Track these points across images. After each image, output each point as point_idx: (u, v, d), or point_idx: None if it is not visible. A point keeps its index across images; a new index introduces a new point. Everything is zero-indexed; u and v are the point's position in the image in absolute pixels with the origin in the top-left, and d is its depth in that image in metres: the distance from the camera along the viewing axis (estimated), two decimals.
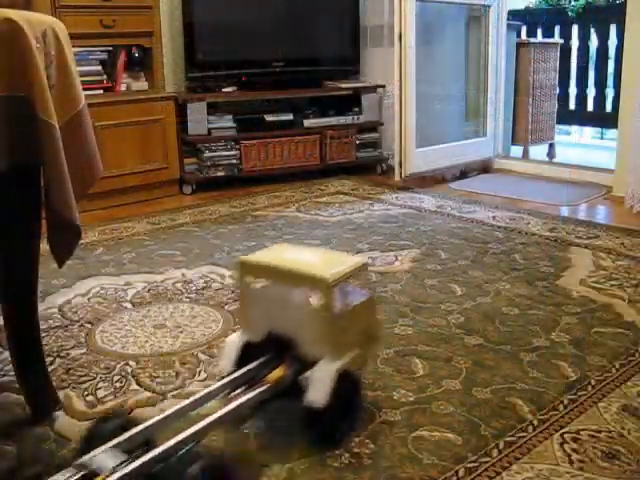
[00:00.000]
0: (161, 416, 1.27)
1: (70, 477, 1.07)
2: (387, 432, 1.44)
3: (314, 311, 1.39)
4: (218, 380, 1.43)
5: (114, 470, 1.08)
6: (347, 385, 1.40)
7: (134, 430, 1.19)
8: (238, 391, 1.37)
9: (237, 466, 1.24)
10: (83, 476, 1.08)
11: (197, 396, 1.35)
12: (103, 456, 1.11)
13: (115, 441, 1.15)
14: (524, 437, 1.41)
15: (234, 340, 1.49)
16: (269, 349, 1.44)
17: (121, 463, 1.10)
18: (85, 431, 1.25)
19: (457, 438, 1.41)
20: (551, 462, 1.33)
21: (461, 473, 1.30)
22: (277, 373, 1.39)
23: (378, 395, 1.58)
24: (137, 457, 1.12)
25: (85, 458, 1.10)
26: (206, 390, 1.37)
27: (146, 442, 1.20)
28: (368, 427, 1.45)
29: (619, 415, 1.49)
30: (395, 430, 1.44)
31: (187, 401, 1.33)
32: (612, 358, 1.75)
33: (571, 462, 1.33)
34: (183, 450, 1.18)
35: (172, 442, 1.17)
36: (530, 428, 1.44)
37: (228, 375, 1.42)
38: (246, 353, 1.46)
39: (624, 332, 1.90)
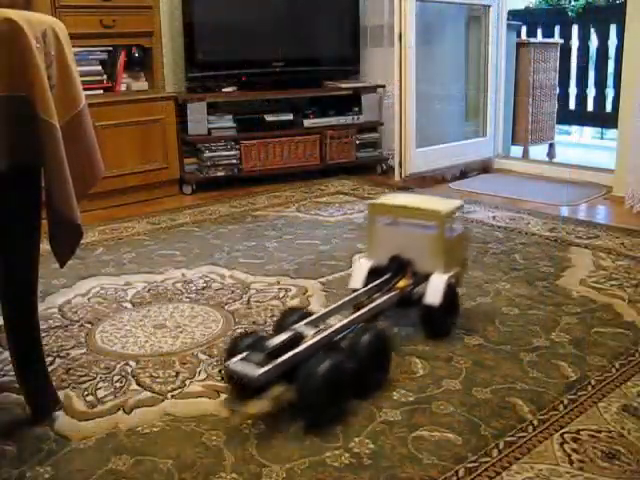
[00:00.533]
0: (326, 310, 1.78)
1: (285, 338, 1.55)
2: (387, 432, 1.44)
3: (431, 237, 1.89)
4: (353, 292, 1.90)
5: (314, 335, 1.57)
6: (452, 291, 1.90)
7: (315, 315, 1.72)
8: (377, 295, 1.84)
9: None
10: (294, 336, 1.56)
11: (340, 302, 1.82)
12: (304, 326, 1.62)
13: (308, 319, 1.67)
14: (524, 437, 1.41)
15: (363, 263, 1.98)
16: (392, 269, 1.93)
17: (315, 332, 1.59)
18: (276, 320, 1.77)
19: (457, 438, 1.41)
20: (551, 462, 1.33)
21: (461, 473, 1.30)
22: (403, 282, 1.89)
23: (378, 395, 1.58)
24: (322, 330, 1.61)
25: (294, 326, 1.60)
26: (356, 293, 1.87)
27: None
28: (368, 427, 1.46)
29: (619, 415, 1.49)
30: (395, 430, 1.44)
31: (340, 302, 1.83)
32: (612, 358, 1.75)
33: (571, 462, 1.33)
34: (351, 328, 1.68)
35: (342, 323, 1.66)
36: (530, 428, 1.44)
37: (362, 288, 1.90)
38: (372, 274, 1.94)
39: (624, 332, 1.90)
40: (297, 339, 1.56)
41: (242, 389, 1.54)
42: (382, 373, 1.64)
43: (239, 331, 1.93)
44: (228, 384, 1.59)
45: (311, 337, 1.56)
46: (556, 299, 2.15)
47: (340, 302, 1.82)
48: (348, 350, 1.58)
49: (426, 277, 1.87)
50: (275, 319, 1.79)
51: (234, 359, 1.49)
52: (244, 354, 1.50)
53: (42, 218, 1.41)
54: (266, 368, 1.43)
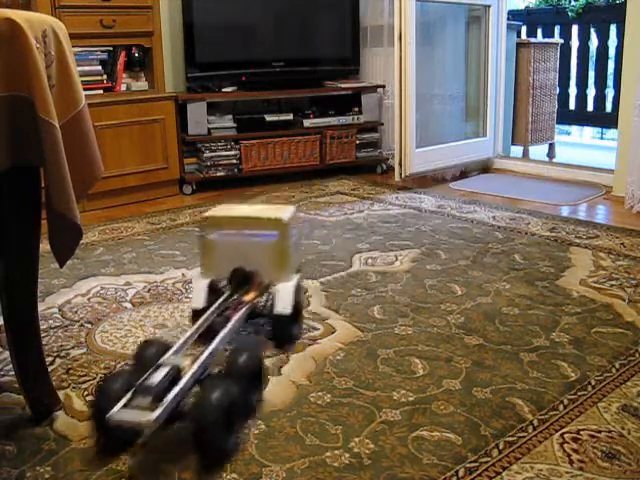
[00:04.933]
0: (185, 337, 1.61)
1: (164, 374, 1.36)
2: (387, 432, 1.44)
3: (274, 245, 1.82)
4: (194, 316, 1.80)
5: (190, 365, 1.43)
6: (298, 298, 1.88)
7: (178, 344, 1.54)
8: (226, 312, 1.75)
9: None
10: (172, 370, 1.39)
11: (194, 327, 1.66)
12: (174, 358, 1.45)
13: (174, 349, 1.51)
14: (524, 437, 1.41)
15: (199, 281, 1.87)
16: (235, 281, 1.84)
17: (191, 363, 1.45)
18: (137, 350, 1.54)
19: (457, 438, 1.41)
20: (551, 462, 1.33)
21: (461, 473, 1.30)
22: (251, 294, 1.81)
23: (378, 395, 1.58)
24: (195, 356, 1.49)
25: (164, 359, 1.43)
26: (203, 319, 1.71)
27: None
28: (368, 427, 1.46)
29: (619, 415, 1.49)
30: (395, 430, 1.44)
31: (190, 331, 1.64)
32: (612, 358, 1.75)
33: (571, 462, 1.33)
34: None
35: (210, 349, 1.52)
36: (530, 428, 1.44)
37: (203, 310, 1.77)
38: (215, 291, 1.86)
39: (624, 332, 1.90)
40: (176, 372, 1.40)
41: (124, 440, 1.35)
42: (258, 393, 1.56)
43: (100, 376, 1.71)
44: (102, 438, 1.36)
45: (189, 368, 1.42)
46: (556, 299, 2.15)
47: (195, 327, 1.66)
48: (227, 374, 1.47)
49: (271, 286, 1.83)
50: (132, 352, 1.55)
51: (116, 408, 1.28)
52: (124, 400, 1.30)
53: (42, 218, 1.41)
54: (159, 411, 1.26)
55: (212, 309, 1.76)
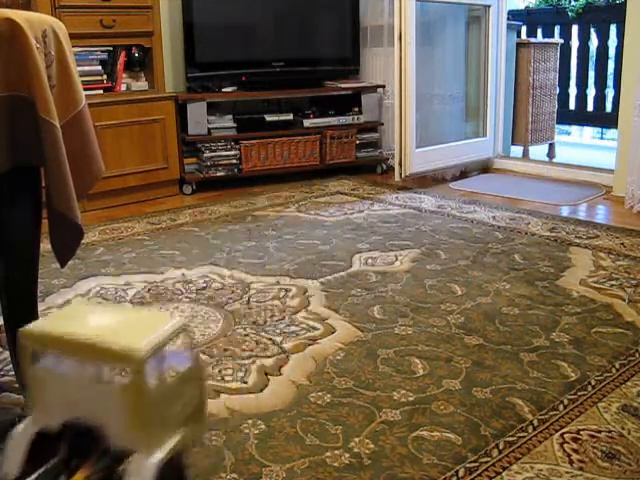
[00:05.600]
0: None
1: None
2: (387, 432, 1.44)
3: (122, 391, 1.06)
4: None
5: None
6: (173, 474, 1.11)
7: None
8: None
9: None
10: None
11: None
12: None
13: None
14: (524, 437, 1.41)
15: (22, 432, 1.14)
16: (68, 443, 1.13)
17: None
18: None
19: (457, 438, 1.41)
20: (551, 462, 1.33)
21: (461, 473, 1.30)
22: (83, 472, 1.08)
23: (378, 395, 1.58)
24: None
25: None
26: None
27: None
28: (368, 427, 1.46)
29: (619, 415, 1.49)
30: (395, 430, 1.44)
31: None
32: (612, 358, 1.75)
33: (571, 462, 1.33)
34: None
35: None
36: (530, 428, 1.44)
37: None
38: (38, 448, 1.14)
39: (624, 332, 1.90)
40: None
41: None
42: None
43: None
44: None
45: None
46: (556, 299, 2.15)
47: None
48: None
49: (127, 456, 1.07)
50: None
51: None
52: None
53: (42, 218, 1.41)
54: None
55: None
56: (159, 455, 1.06)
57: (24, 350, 1.15)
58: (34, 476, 1.10)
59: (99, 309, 1.34)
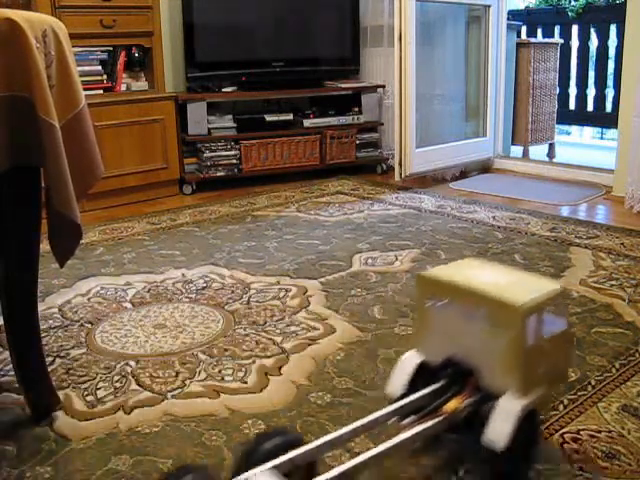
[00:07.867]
0: (325, 439, 1.18)
1: None
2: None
3: (503, 340, 1.22)
4: (388, 403, 1.31)
5: None
6: (530, 427, 1.24)
7: (296, 452, 1.11)
8: (409, 419, 1.27)
9: None
10: None
11: (365, 420, 1.24)
12: (262, 476, 1.05)
13: (275, 462, 1.07)
14: None
15: (409, 360, 1.37)
16: (447, 375, 1.31)
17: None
18: (244, 447, 1.14)
19: None
20: (551, 462, 1.33)
21: (462, 473, 1.30)
22: (455, 403, 1.26)
23: (378, 395, 1.58)
24: None
25: (241, 477, 1.04)
26: (374, 415, 1.26)
27: (310, 465, 1.14)
28: None
29: (619, 415, 1.49)
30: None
31: (352, 426, 1.23)
32: (612, 358, 1.75)
33: (571, 462, 1.33)
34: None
35: (337, 471, 1.09)
36: None
37: (399, 399, 1.31)
38: (420, 376, 1.35)
39: (624, 332, 1.90)
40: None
41: None
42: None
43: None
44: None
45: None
46: None
47: (359, 423, 1.24)
48: None
49: (495, 397, 1.23)
50: (244, 448, 1.14)
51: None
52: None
53: (42, 218, 1.41)
54: None
55: (388, 410, 1.29)
56: (526, 400, 1.21)
57: (420, 291, 1.37)
58: (417, 395, 1.31)
59: (488, 266, 1.44)
